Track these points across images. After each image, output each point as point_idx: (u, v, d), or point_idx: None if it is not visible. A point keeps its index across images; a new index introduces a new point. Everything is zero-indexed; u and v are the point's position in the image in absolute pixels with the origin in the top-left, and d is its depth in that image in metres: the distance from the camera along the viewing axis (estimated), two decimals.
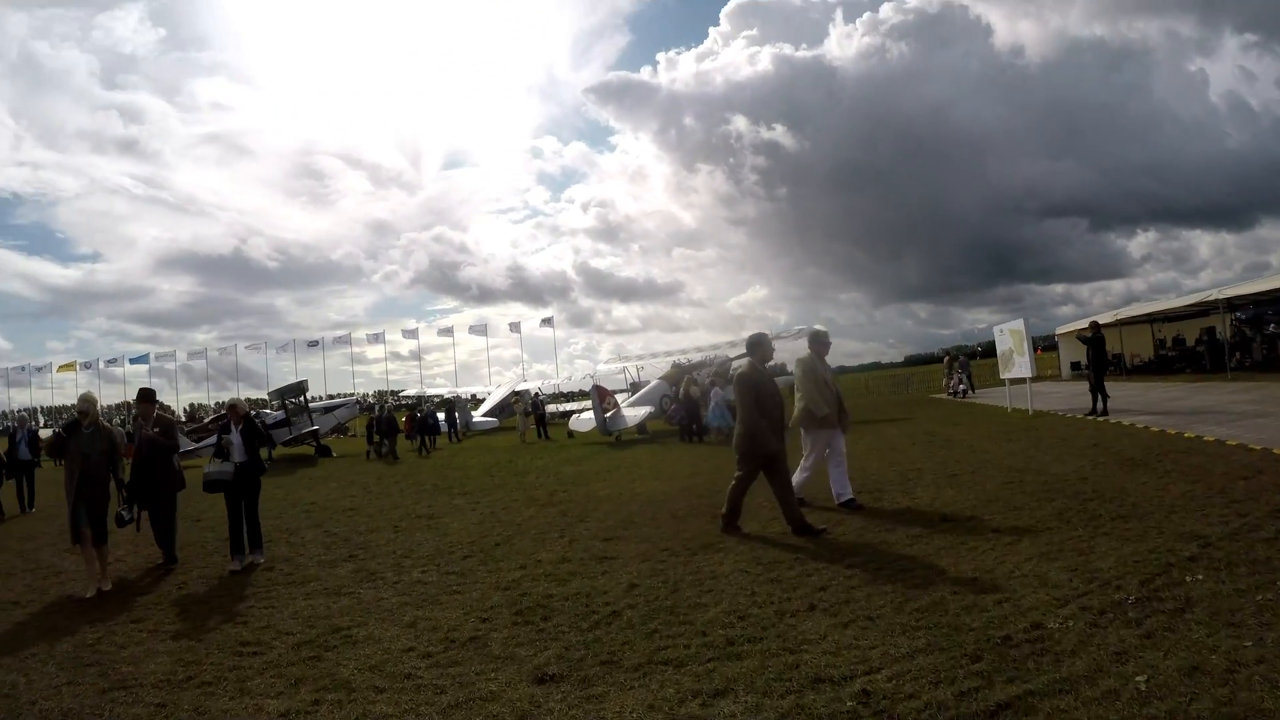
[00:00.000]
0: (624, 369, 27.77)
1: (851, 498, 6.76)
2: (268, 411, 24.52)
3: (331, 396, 32.73)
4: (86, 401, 6.44)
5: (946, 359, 30.04)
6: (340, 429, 29.65)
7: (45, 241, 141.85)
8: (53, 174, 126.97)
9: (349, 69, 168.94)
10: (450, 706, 3.22)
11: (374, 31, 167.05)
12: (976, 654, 3.22)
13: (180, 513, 7.31)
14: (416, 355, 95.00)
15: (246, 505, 6.55)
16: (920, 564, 4.73)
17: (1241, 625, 3.21)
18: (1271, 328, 21.38)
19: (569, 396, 35.01)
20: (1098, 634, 3.30)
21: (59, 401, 46.17)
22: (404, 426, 22.52)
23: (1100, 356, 13.64)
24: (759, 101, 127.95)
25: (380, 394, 41.51)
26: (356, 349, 44.71)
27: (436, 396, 37.05)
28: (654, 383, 21.64)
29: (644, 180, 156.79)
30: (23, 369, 44.12)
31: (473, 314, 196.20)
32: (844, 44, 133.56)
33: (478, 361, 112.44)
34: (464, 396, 33.73)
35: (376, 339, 44.71)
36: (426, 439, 21.28)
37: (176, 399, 46.05)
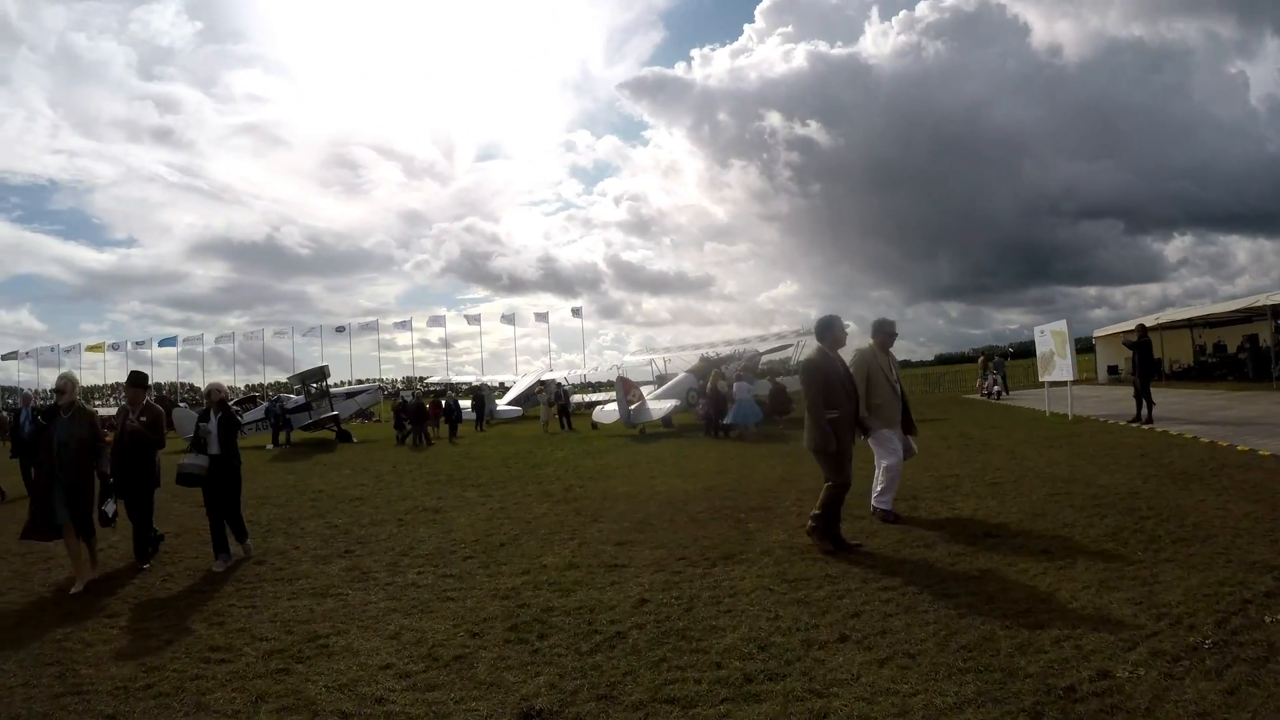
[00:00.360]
0: (650, 361, 27.18)
1: (889, 509, 6.21)
2: (289, 395, 24.61)
3: (360, 382, 32.78)
4: (64, 379, 5.87)
5: (981, 359, 29.01)
6: (363, 414, 29.74)
7: (81, 226, 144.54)
8: (89, 161, 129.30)
9: (383, 63, 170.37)
10: None
11: (409, 26, 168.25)
12: (1036, 710, 2.74)
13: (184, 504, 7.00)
14: (445, 342, 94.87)
15: (225, 501, 6.09)
16: (965, 589, 4.20)
17: None
18: None
19: (595, 387, 34.60)
20: (1174, 687, 2.83)
21: (88, 382, 47.08)
22: (430, 412, 22.39)
23: (1147, 361, 12.99)
24: (793, 98, 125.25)
25: (408, 380, 41.66)
26: (385, 335, 44.71)
27: (464, 384, 36.97)
28: (680, 375, 21.13)
29: (677, 175, 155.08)
30: (52, 349, 44.76)
31: (503, 303, 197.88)
32: (879, 42, 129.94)
33: (506, 350, 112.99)
34: (490, 385, 33.58)
35: (404, 325, 44.76)
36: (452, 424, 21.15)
37: (204, 381, 46.76)
